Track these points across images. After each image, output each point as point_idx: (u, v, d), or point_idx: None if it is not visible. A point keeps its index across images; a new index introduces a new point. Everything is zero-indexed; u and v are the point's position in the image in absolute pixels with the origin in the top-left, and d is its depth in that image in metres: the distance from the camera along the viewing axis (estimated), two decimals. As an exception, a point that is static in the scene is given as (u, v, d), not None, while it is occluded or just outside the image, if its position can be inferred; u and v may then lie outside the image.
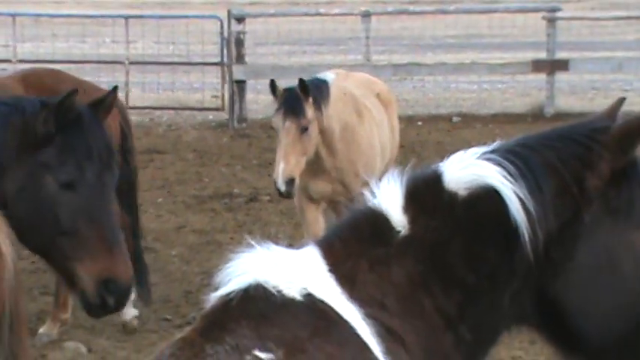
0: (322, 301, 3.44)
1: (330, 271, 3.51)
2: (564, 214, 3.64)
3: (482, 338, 3.64)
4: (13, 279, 6.23)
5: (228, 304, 3.43)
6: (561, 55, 22.03)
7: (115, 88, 7.73)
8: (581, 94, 23.85)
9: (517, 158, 3.63)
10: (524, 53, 24.25)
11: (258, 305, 3.41)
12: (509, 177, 3.59)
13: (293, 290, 3.44)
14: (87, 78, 23.81)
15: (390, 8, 31.88)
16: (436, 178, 3.66)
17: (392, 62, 24.17)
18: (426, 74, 24.65)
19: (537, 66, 21.98)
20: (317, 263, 3.53)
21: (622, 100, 3.91)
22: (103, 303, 5.22)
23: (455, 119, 21.39)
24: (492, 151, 3.67)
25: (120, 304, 4.78)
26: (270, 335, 3.34)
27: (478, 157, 3.67)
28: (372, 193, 3.66)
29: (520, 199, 3.57)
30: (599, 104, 22.03)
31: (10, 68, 23.25)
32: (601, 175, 3.66)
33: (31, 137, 5.36)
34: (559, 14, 22.76)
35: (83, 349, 9.64)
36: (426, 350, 3.51)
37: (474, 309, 3.60)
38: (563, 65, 21.82)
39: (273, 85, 11.17)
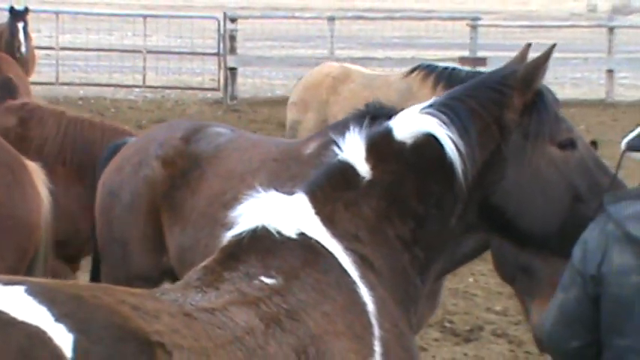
0: (311, 239, 3.44)
1: (316, 214, 3.51)
2: (490, 146, 3.61)
3: (432, 255, 3.63)
4: (48, 217, 6.05)
5: (241, 241, 3.43)
6: (481, 53, 22.02)
7: None
8: (496, 84, 23.87)
9: (447, 109, 3.61)
10: (453, 52, 24.24)
11: (263, 243, 3.41)
12: (442, 125, 3.57)
13: (290, 231, 3.44)
14: (113, 64, 23.93)
15: (349, 14, 31.80)
16: (388, 132, 3.64)
17: (350, 56, 24.16)
18: (376, 66, 24.57)
19: (463, 62, 21.93)
20: (305, 208, 3.52)
21: (529, 45, 3.87)
22: None
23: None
24: (429, 106, 3.65)
25: None
26: (273, 265, 3.35)
27: (419, 112, 3.64)
28: (339, 148, 3.64)
29: (453, 141, 3.55)
30: (510, 92, 22.12)
31: (53, 54, 23.21)
32: (515, 109, 3.63)
33: None
34: (479, 22, 22.81)
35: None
36: (390, 269, 3.52)
37: (424, 233, 3.59)
38: (482, 62, 21.80)
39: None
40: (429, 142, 3.58)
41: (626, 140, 3.64)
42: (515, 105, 3.62)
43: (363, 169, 3.59)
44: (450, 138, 3.55)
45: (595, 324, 3.46)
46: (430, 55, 24.87)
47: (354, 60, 23.31)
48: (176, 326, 3.02)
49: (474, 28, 22.04)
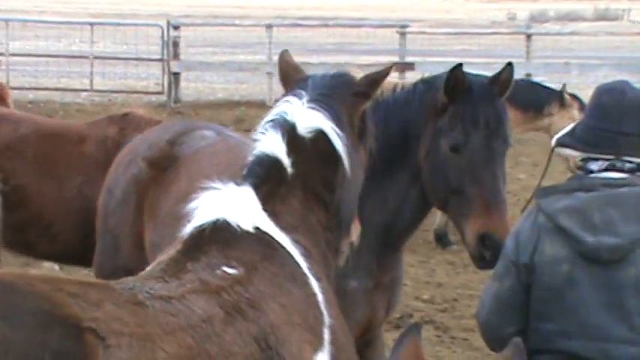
0: (266, 233, 3.44)
1: (263, 209, 3.52)
2: (353, 137, 3.80)
3: (337, 234, 3.70)
4: None
5: (203, 233, 3.40)
6: (409, 59, 22.15)
7: None
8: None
9: (324, 103, 3.71)
10: (383, 57, 24.35)
11: (224, 235, 3.38)
12: (328, 120, 3.69)
13: (247, 225, 3.43)
14: (61, 69, 23.67)
15: (286, 21, 31.79)
16: (294, 128, 3.69)
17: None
18: (312, 70, 24.47)
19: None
20: (255, 203, 3.53)
21: (392, 66, 4.05)
22: (481, 256, 4.40)
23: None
24: (310, 100, 3.73)
25: (495, 258, 3.90)
26: (234, 257, 3.33)
27: (306, 105, 3.72)
28: (263, 144, 3.68)
29: (337, 135, 3.67)
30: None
31: (4, 60, 22.89)
32: (360, 113, 3.81)
33: (434, 109, 4.59)
34: (408, 29, 22.92)
35: (56, 267, 8.93)
36: (319, 254, 3.56)
37: (330, 215, 3.65)
38: (410, 66, 21.97)
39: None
40: (321, 135, 3.67)
41: (556, 137, 3.67)
42: (361, 110, 3.82)
43: (287, 163, 3.64)
44: (335, 131, 3.68)
45: (526, 310, 3.48)
46: (363, 61, 24.95)
47: (290, 65, 23.37)
48: (118, 314, 2.93)
49: (402, 35, 22.14)
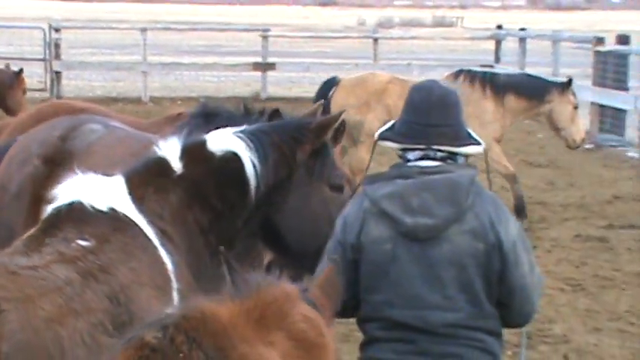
0: (121, 212, 3.54)
1: (129, 193, 3.61)
2: (282, 174, 3.86)
3: (222, 244, 3.68)
4: None
5: (60, 212, 3.50)
6: (271, 59, 22.13)
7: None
8: (283, 85, 24.04)
9: (255, 137, 3.85)
10: (248, 58, 24.30)
11: (79, 214, 3.48)
12: (248, 149, 3.80)
13: (102, 205, 3.52)
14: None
15: (159, 25, 31.38)
16: (203, 142, 3.84)
17: (161, 62, 23.87)
18: (184, 70, 24.44)
19: (256, 67, 22.07)
20: (120, 188, 3.63)
21: (320, 105, 4.23)
22: None
23: (203, 100, 21.13)
24: (242, 132, 3.88)
25: None
26: (87, 232, 3.43)
27: (233, 134, 3.87)
28: (160, 147, 3.80)
29: (252, 164, 3.78)
30: (295, 92, 22.36)
31: None
32: (305, 151, 3.90)
33: None
34: (269, 33, 22.90)
35: None
36: (187, 246, 3.64)
37: (218, 224, 3.74)
38: (272, 66, 21.96)
39: None
40: (235, 159, 3.79)
41: (378, 132, 3.76)
42: (306, 148, 3.90)
43: (176, 165, 3.73)
44: (251, 160, 3.78)
45: (352, 283, 3.56)
46: (230, 61, 24.84)
47: (164, 65, 23.11)
48: (2, 283, 3.09)
49: (265, 38, 22.10)
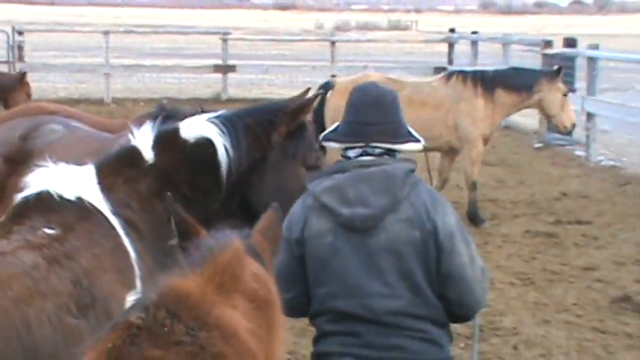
0: (87, 202, 3.52)
1: (97, 183, 3.58)
2: (257, 155, 3.85)
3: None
4: None
5: (27, 202, 3.48)
6: (231, 62, 22.10)
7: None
8: (243, 86, 24.03)
9: (228, 122, 3.81)
10: (209, 60, 24.24)
11: (46, 203, 3.46)
12: (221, 134, 3.76)
13: (69, 195, 3.49)
14: None
15: (122, 28, 31.15)
16: (175, 130, 3.78)
17: (123, 64, 23.72)
18: (145, 72, 24.29)
19: (216, 69, 22.01)
20: (90, 178, 3.59)
21: (307, 90, 4.18)
22: None
23: (165, 101, 21.02)
24: (215, 117, 3.85)
25: None
26: (54, 220, 3.43)
27: (206, 120, 3.82)
28: (132, 136, 3.73)
29: (225, 148, 3.75)
30: (255, 93, 22.35)
31: None
32: (280, 133, 3.90)
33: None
34: (230, 36, 22.83)
35: None
36: (154, 235, 3.59)
37: (189, 211, 3.65)
38: (232, 69, 21.92)
39: None
40: (207, 144, 3.74)
41: (322, 135, 3.81)
42: (281, 130, 3.89)
43: (148, 155, 3.68)
44: (224, 145, 3.74)
45: (301, 279, 3.59)
46: (191, 63, 24.78)
47: (126, 67, 22.96)
48: None
49: (225, 41, 22.03)
